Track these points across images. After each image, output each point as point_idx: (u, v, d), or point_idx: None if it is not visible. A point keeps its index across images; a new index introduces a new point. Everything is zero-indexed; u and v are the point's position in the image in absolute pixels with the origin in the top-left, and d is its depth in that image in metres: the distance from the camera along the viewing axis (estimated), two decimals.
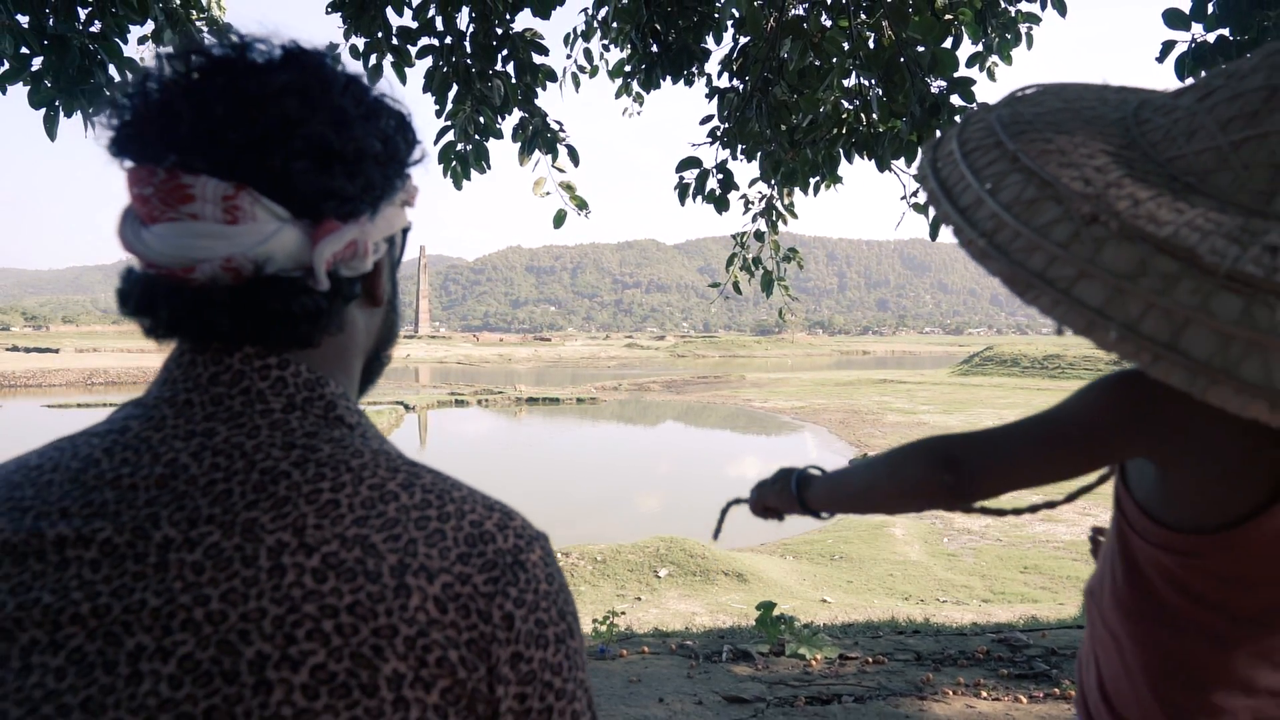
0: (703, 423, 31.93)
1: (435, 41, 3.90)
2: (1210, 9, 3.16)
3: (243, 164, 0.50)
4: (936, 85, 3.39)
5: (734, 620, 6.30)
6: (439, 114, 4.06)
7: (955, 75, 3.35)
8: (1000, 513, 1.25)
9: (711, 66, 4.60)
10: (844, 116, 4.34)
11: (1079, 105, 0.76)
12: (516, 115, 4.15)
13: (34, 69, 3.51)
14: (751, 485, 1.34)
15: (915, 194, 4.33)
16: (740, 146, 4.56)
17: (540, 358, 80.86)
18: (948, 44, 3.72)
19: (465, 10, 3.85)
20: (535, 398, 37.25)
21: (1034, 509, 1.28)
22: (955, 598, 9.29)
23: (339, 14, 3.87)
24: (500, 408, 34.72)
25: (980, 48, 4.67)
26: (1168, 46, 3.19)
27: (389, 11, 3.86)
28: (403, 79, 4.02)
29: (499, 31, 3.93)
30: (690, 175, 4.45)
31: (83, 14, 3.61)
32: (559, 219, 4.15)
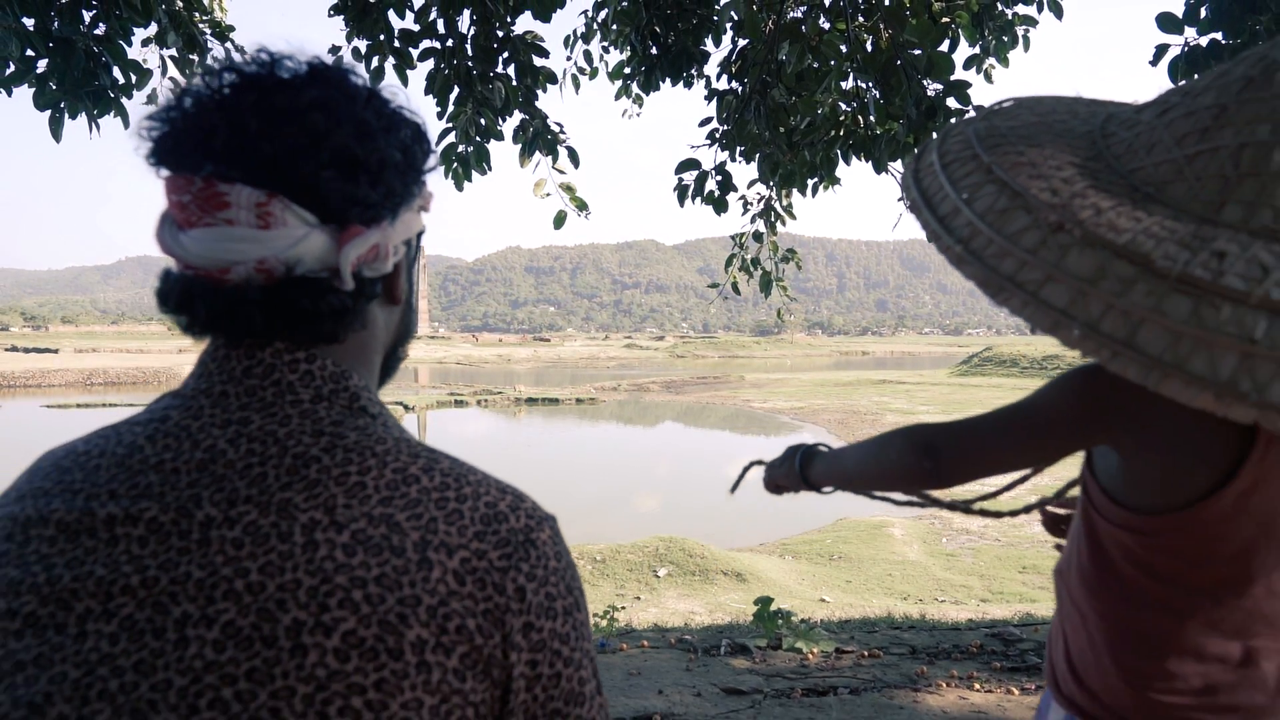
0: (702, 423, 31.97)
1: (437, 44, 3.93)
2: (1203, 13, 3.20)
3: (274, 173, 0.54)
4: (933, 88, 3.42)
5: (733, 619, 6.33)
6: (440, 116, 4.09)
7: (951, 78, 3.38)
8: (998, 514, 1.32)
9: (710, 69, 4.63)
10: (841, 119, 4.37)
11: (1051, 119, 0.82)
12: (517, 117, 4.18)
13: (39, 71, 3.53)
14: (752, 480, 1.40)
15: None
16: (739, 148, 4.59)
17: (539, 358, 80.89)
18: (944, 47, 3.75)
19: (466, 13, 3.88)
20: (534, 398, 37.27)
21: (1029, 509, 1.34)
22: (954, 597, 9.33)
23: (341, 17, 3.91)
24: (499, 408, 34.74)
25: (977, 50, 4.70)
26: (1161, 50, 3.23)
27: (391, 14, 3.89)
28: (404, 81, 4.05)
29: (500, 34, 3.96)
30: (689, 177, 4.48)
31: (87, 16, 3.63)
32: (559, 220, 4.18)
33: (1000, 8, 4.57)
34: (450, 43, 3.91)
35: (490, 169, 4.25)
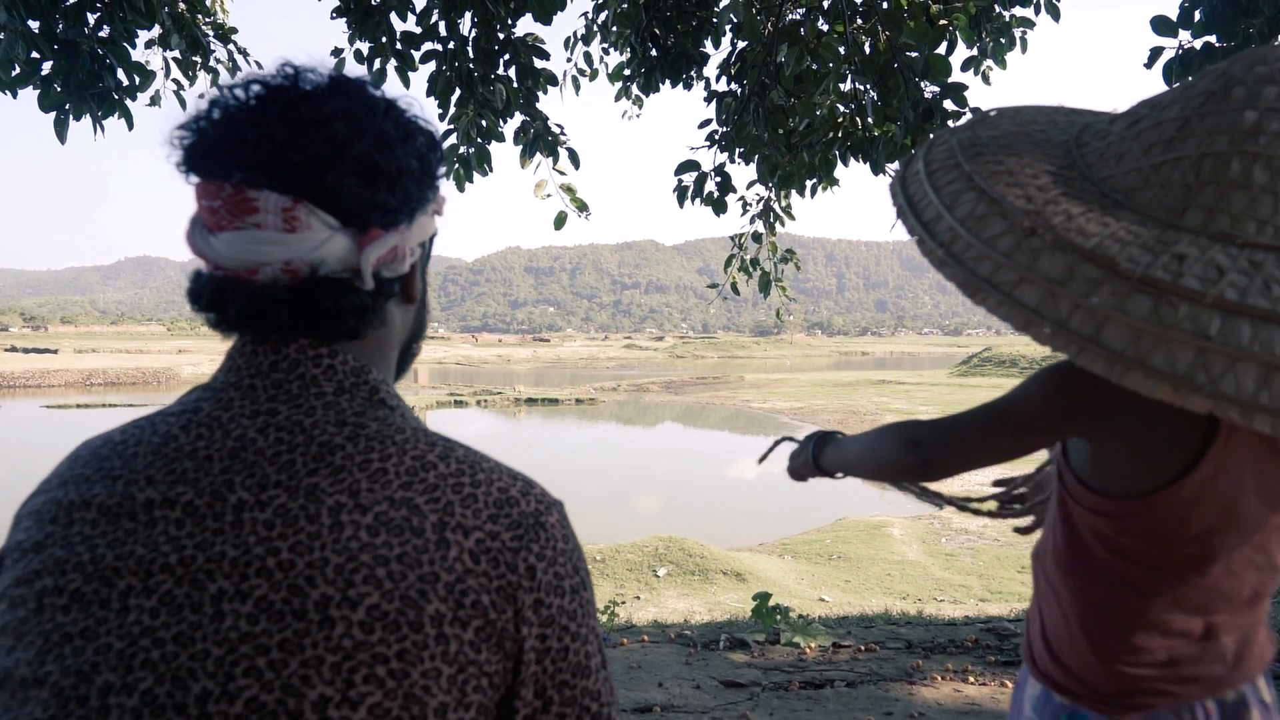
0: (701, 423, 32.00)
1: (438, 46, 3.96)
2: (1197, 16, 3.23)
3: (300, 180, 0.57)
4: (930, 90, 3.45)
5: (732, 617, 6.37)
6: (442, 118, 4.12)
7: (948, 80, 3.41)
8: (995, 515, 1.36)
9: (710, 70, 4.66)
10: (840, 120, 4.41)
11: (1031, 129, 0.88)
12: (518, 119, 4.21)
13: (44, 73, 3.56)
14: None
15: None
16: (738, 150, 4.63)
17: (539, 358, 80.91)
18: (942, 49, 3.78)
19: (468, 15, 3.91)
20: (534, 398, 37.30)
21: (1028, 509, 1.39)
22: (952, 597, 9.36)
23: (343, 19, 3.93)
24: (499, 408, 34.77)
25: (975, 52, 4.73)
26: (1156, 52, 3.26)
27: (393, 16, 3.92)
28: (406, 83, 4.07)
29: (501, 36, 3.99)
30: (689, 178, 4.52)
31: (91, 19, 3.65)
32: (560, 221, 4.21)
33: (998, 10, 4.59)
34: (452, 45, 3.94)
35: (491, 170, 4.28)
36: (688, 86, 4.65)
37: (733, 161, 4.68)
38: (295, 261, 0.58)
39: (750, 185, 5.25)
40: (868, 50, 3.97)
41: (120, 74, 3.71)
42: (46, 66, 3.55)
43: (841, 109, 4.41)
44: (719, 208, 4.62)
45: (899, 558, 11.36)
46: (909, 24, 3.75)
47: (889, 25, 3.61)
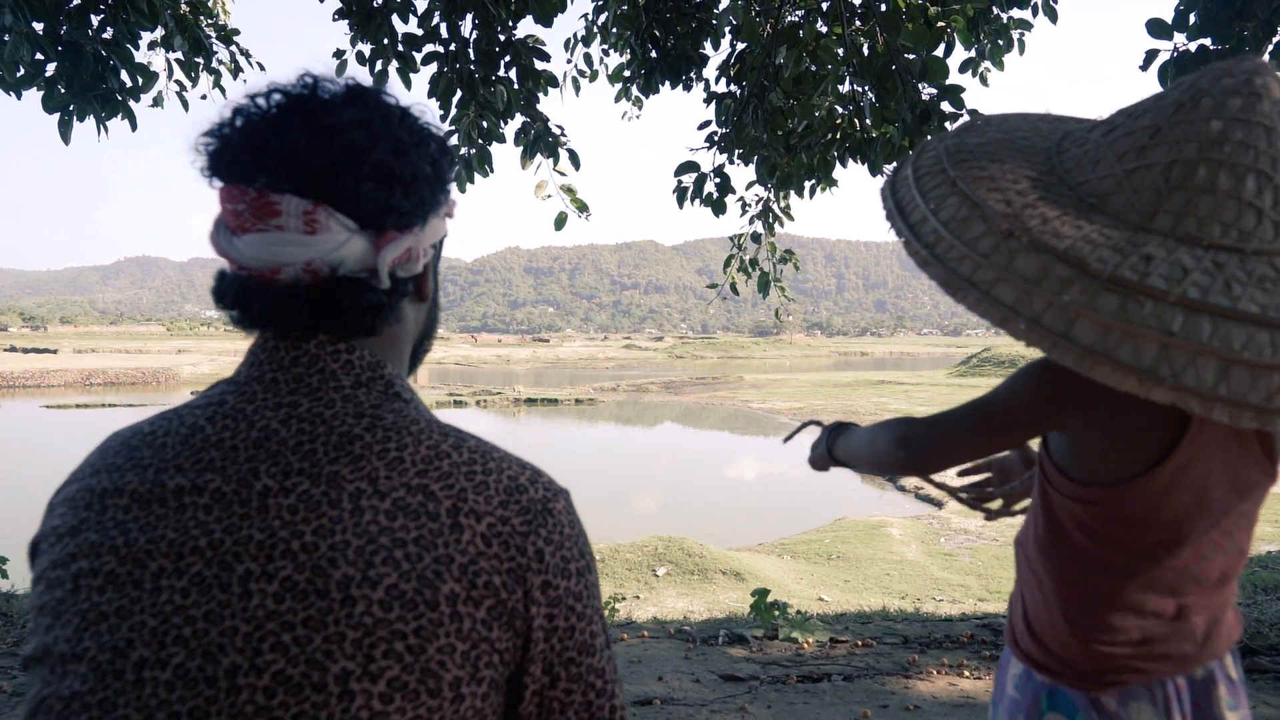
0: (701, 424, 32.03)
1: (439, 48, 3.98)
2: (1192, 19, 3.25)
3: (320, 185, 0.61)
4: (927, 92, 3.47)
5: (731, 614, 6.40)
6: (443, 119, 4.14)
7: (946, 82, 3.44)
8: (996, 514, 1.41)
9: (709, 72, 4.69)
10: (838, 122, 4.44)
11: (1016, 136, 0.93)
12: (519, 120, 4.23)
13: (48, 75, 3.58)
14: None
15: None
16: (737, 151, 4.65)
17: (538, 359, 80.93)
18: (939, 52, 3.81)
19: (469, 18, 3.94)
20: (534, 399, 37.33)
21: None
22: (951, 596, 9.38)
23: (346, 21, 3.96)
24: (499, 408, 34.80)
25: (973, 54, 4.76)
26: (1151, 55, 3.28)
27: (394, 19, 3.94)
28: (408, 85, 4.10)
29: (502, 38, 4.02)
30: (688, 178, 4.54)
31: (95, 21, 3.68)
32: (560, 221, 4.24)
33: (995, 12, 4.61)
34: (453, 47, 3.96)
35: (492, 171, 4.31)
36: (687, 88, 4.67)
37: (732, 162, 4.70)
38: (316, 262, 0.61)
39: (749, 186, 5.28)
40: (866, 52, 4.00)
41: (124, 75, 3.74)
42: (51, 68, 3.57)
43: (840, 110, 4.44)
44: (718, 208, 4.65)
45: (898, 557, 11.38)
46: (907, 26, 3.78)
47: (887, 28, 3.63)
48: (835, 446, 1.28)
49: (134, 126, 3.90)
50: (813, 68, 4.11)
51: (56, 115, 3.65)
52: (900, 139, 3.58)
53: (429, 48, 3.99)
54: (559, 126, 4.23)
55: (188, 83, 4.85)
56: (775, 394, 39.49)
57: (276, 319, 0.63)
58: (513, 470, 0.64)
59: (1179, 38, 3.24)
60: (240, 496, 0.58)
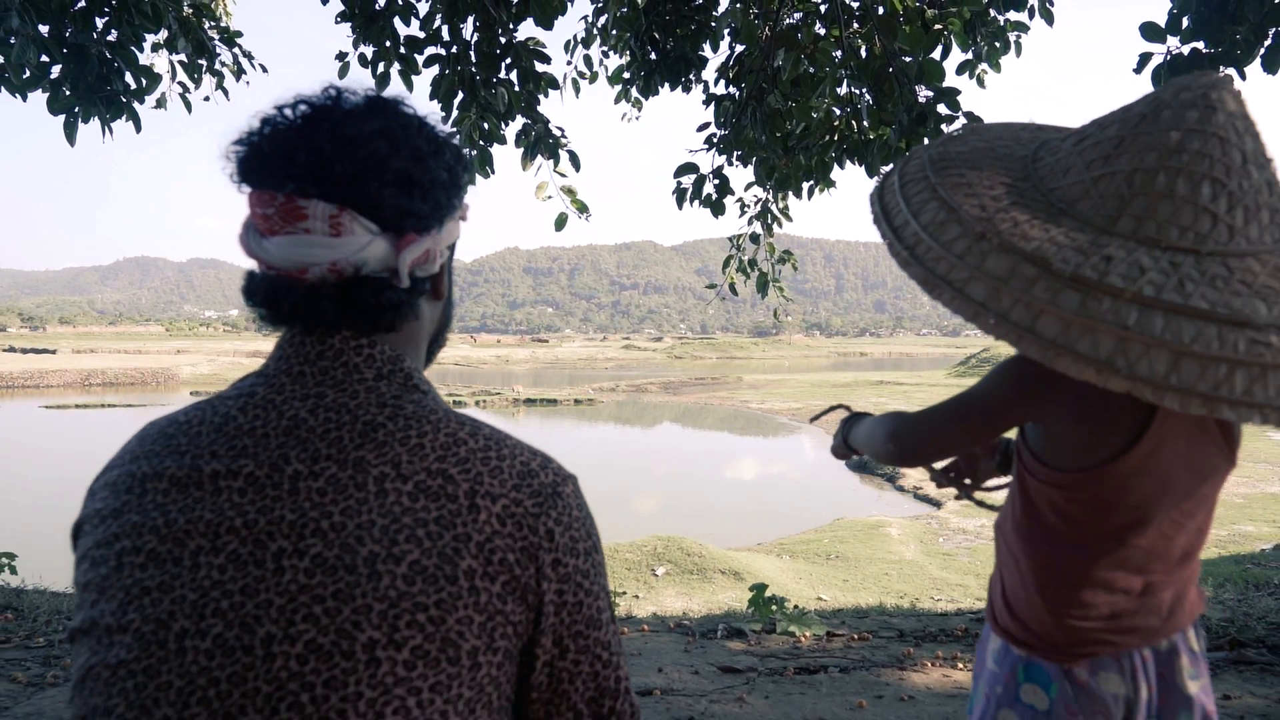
0: (700, 424, 32.07)
1: (441, 50, 4.03)
2: (1185, 22, 3.29)
3: (345, 191, 0.66)
4: (924, 94, 3.51)
5: (729, 610, 6.43)
6: (444, 121, 4.17)
7: (942, 85, 3.48)
8: (969, 490, 1.47)
9: (708, 74, 4.73)
10: (836, 124, 4.48)
11: (997, 145, 1.00)
12: (519, 121, 4.27)
13: (53, 77, 3.62)
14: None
15: None
16: (736, 152, 4.69)
17: (538, 359, 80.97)
18: (937, 54, 3.84)
19: (470, 20, 3.98)
20: (533, 399, 37.37)
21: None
22: (949, 595, 9.41)
23: (348, 24, 4.00)
24: (498, 409, 34.81)
25: (969, 56, 4.80)
26: (1145, 58, 3.32)
27: (396, 21, 3.98)
28: (409, 86, 4.14)
29: (502, 41, 4.06)
30: (688, 180, 4.58)
31: (100, 23, 3.71)
32: (560, 222, 4.27)
33: (992, 14, 4.65)
34: (454, 49, 4.01)
35: (493, 172, 4.34)
36: (686, 90, 4.72)
37: (731, 164, 4.75)
38: (340, 262, 0.66)
39: (748, 187, 5.32)
40: (863, 55, 4.04)
41: (128, 77, 3.77)
42: (56, 70, 3.61)
43: (837, 112, 4.48)
44: (717, 209, 4.68)
45: (896, 557, 11.42)
46: (904, 29, 3.82)
47: (884, 30, 3.68)
48: (850, 436, 1.37)
49: (138, 128, 3.94)
50: (811, 70, 4.15)
51: (60, 117, 3.69)
52: (897, 141, 3.62)
53: (430, 50, 4.03)
54: (559, 128, 4.27)
55: (191, 84, 4.89)
56: (774, 394, 39.54)
57: (303, 316, 0.67)
58: (525, 456, 0.69)
59: (1172, 41, 3.28)
60: (272, 480, 0.62)
